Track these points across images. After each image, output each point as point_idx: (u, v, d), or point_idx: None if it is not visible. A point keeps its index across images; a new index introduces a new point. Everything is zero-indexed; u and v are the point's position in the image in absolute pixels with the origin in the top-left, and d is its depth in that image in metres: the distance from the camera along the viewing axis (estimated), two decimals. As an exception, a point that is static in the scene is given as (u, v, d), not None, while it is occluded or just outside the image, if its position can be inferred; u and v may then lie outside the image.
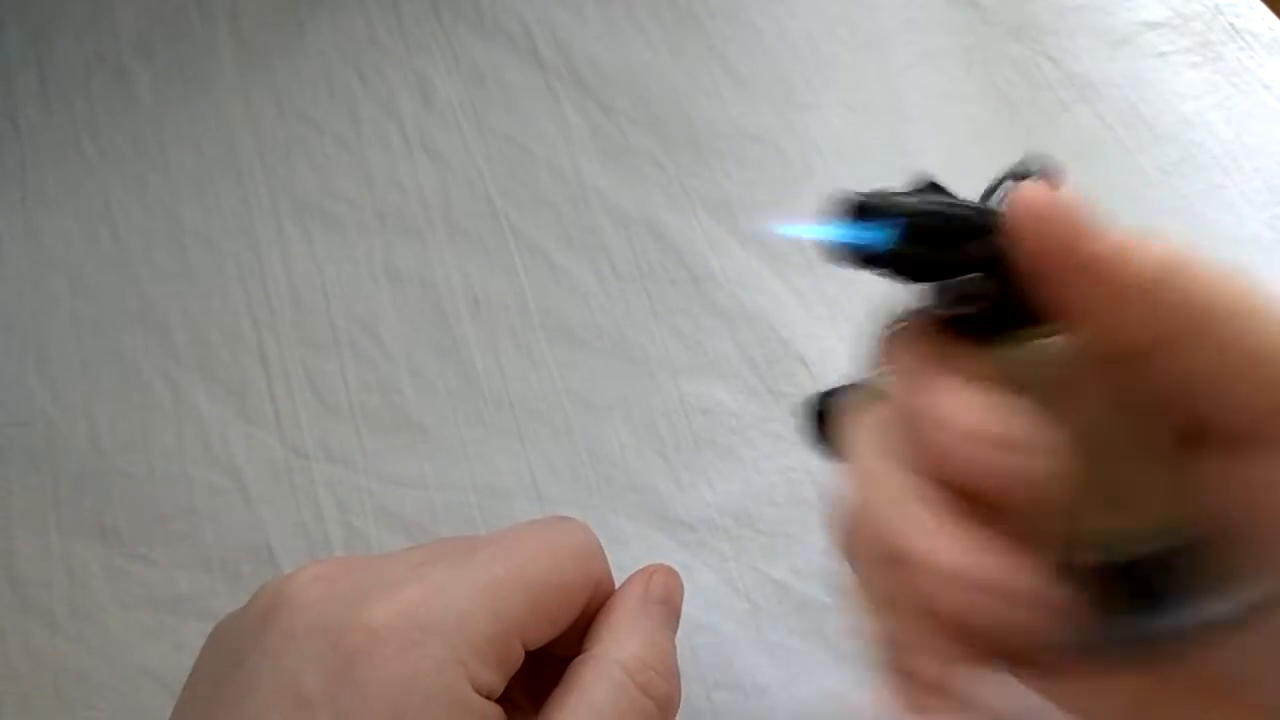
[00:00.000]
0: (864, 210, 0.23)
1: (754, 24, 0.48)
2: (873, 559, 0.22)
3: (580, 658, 0.27)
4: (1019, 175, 0.24)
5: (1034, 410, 0.21)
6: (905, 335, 0.24)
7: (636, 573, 0.30)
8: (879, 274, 0.23)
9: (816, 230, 0.23)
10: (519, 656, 0.26)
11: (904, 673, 0.23)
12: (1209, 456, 0.25)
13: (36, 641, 0.36)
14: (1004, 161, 0.43)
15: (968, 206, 0.23)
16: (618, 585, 0.30)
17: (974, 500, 0.21)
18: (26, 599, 0.37)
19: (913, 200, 0.23)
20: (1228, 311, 0.23)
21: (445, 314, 0.42)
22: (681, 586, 0.31)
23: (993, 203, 0.24)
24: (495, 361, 0.41)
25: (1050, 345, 0.23)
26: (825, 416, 0.30)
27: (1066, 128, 0.44)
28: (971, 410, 0.21)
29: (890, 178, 0.43)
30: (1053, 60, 0.46)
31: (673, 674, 0.28)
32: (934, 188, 0.24)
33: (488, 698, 0.24)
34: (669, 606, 0.30)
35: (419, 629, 0.23)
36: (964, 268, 0.23)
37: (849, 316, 0.40)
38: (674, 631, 0.30)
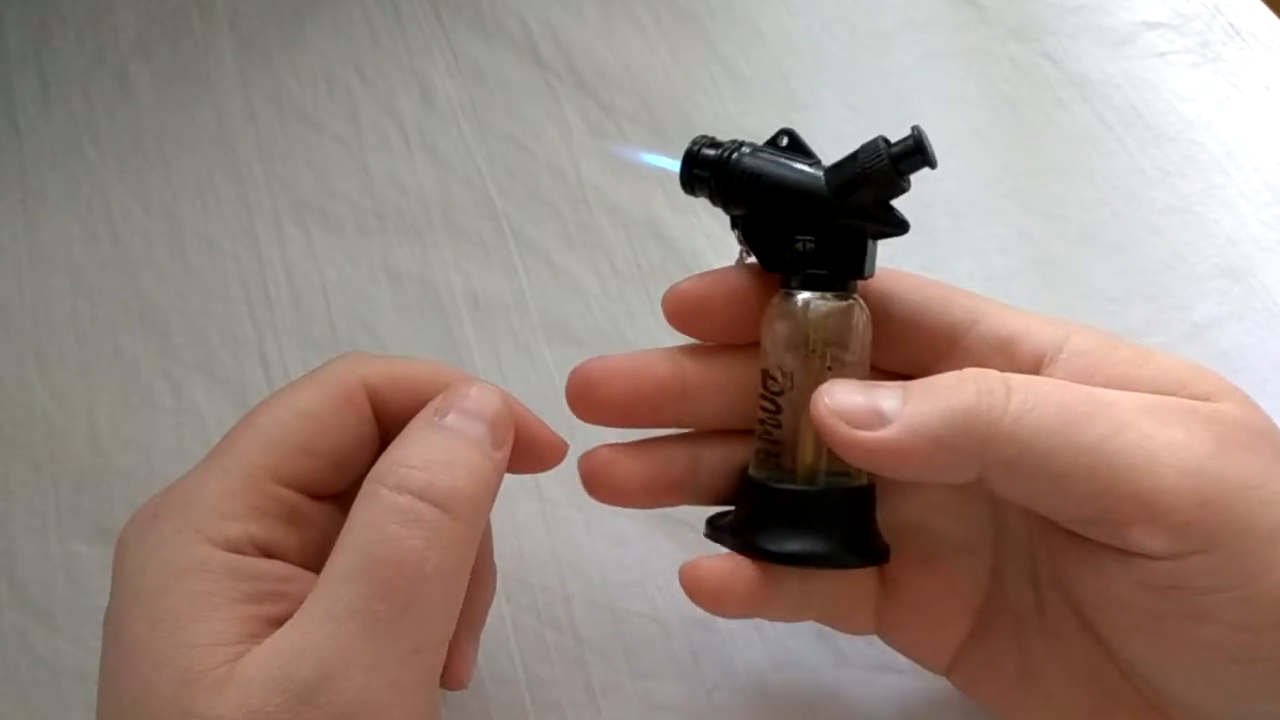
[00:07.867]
0: (695, 157, 0.28)
1: (754, 24, 0.48)
2: None
3: None
4: (890, 144, 0.27)
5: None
6: (734, 271, 0.30)
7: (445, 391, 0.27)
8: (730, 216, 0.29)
9: (661, 161, 0.30)
10: (288, 497, 0.27)
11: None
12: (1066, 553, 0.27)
13: (36, 641, 0.36)
14: (1003, 161, 0.44)
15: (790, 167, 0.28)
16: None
17: None
18: (26, 599, 0.37)
19: (755, 161, 0.28)
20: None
21: (445, 314, 0.42)
22: (507, 403, 0.28)
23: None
24: (495, 361, 0.41)
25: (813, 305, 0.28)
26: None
27: (1066, 128, 0.44)
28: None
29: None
30: (1053, 60, 0.46)
31: (465, 473, 0.25)
32: (791, 141, 0.28)
33: (251, 547, 0.25)
34: (482, 422, 0.27)
35: (152, 519, 0.26)
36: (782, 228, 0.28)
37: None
38: (497, 449, 0.27)
